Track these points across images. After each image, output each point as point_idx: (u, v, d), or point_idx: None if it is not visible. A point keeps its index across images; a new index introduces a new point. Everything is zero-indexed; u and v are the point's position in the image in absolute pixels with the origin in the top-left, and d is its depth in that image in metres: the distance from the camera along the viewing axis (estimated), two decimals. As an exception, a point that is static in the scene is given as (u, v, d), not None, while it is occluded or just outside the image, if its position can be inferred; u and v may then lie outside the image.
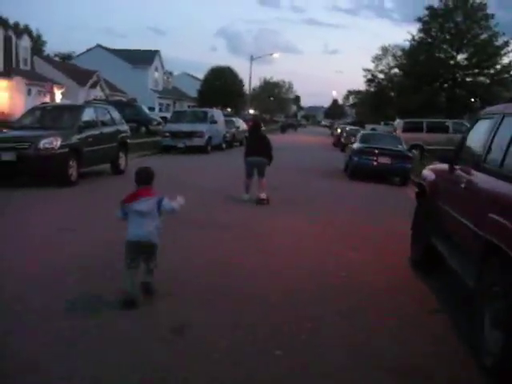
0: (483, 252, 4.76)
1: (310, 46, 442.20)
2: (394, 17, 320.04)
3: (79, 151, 14.77)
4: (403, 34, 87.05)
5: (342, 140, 38.31)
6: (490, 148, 5.27)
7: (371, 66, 77.40)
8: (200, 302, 5.96)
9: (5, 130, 15.49)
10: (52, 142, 13.93)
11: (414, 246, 8.00)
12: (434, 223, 6.89)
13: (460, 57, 52.86)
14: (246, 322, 5.47)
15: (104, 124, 16.98)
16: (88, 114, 16.13)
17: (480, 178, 5.28)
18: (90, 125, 15.89)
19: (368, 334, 5.39)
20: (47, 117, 16.22)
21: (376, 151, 19.26)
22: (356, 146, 20.25)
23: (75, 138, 14.84)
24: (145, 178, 6.41)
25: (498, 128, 5.18)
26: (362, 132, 22.96)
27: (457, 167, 6.27)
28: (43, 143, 13.82)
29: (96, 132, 16.03)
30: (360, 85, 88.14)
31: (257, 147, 13.62)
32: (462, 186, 5.66)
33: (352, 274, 7.37)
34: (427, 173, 7.93)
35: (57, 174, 14.17)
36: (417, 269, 7.68)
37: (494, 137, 5.23)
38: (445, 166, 6.94)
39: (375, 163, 19.14)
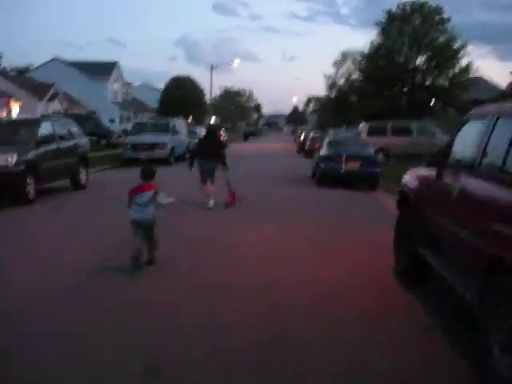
0: (487, 268, 4.24)
1: (269, 53, 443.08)
2: (350, 22, 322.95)
3: (36, 167, 14.08)
4: (361, 39, 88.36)
5: (306, 147, 37.92)
6: (485, 151, 4.81)
7: (331, 71, 77.72)
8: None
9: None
10: (7, 159, 13.22)
11: (398, 256, 7.53)
12: (420, 232, 6.43)
13: (419, 60, 53.21)
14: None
15: (62, 138, 16.28)
16: (45, 128, 15.40)
17: (477, 184, 4.82)
18: (48, 139, 15.20)
19: (358, 350, 4.98)
20: (1, 132, 15.42)
21: (343, 157, 18.88)
22: (323, 151, 19.86)
23: (32, 154, 14.13)
24: (147, 174, 7.99)
25: (493, 129, 4.74)
26: (328, 138, 22.57)
27: (445, 172, 5.82)
28: (-3, 160, 13.10)
29: (54, 146, 15.34)
30: (320, 90, 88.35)
31: (209, 151, 13.76)
32: (455, 192, 5.20)
33: (333, 287, 6.90)
34: (409, 179, 7.48)
35: (13, 192, 13.46)
36: (402, 280, 7.23)
37: (489, 138, 4.78)
38: (428, 171, 6.51)
39: (343, 169, 18.77)
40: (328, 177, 19.17)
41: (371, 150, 20.20)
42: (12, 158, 13.24)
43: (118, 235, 9.49)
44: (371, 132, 31.18)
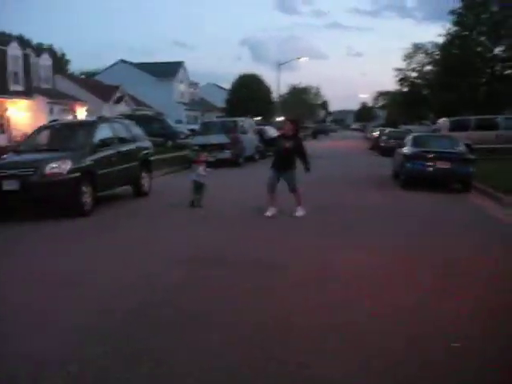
0: None
1: (334, 50, 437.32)
2: (416, 16, 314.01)
3: (93, 175, 12.70)
4: (427, 32, 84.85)
5: (382, 143, 35.77)
6: None
7: (402, 64, 74.91)
8: None
9: (5, 156, 13.42)
10: (60, 166, 11.88)
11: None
12: None
13: (498, 49, 50.04)
14: None
15: (123, 141, 14.89)
16: (103, 131, 14.00)
17: None
18: (106, 143, 13.78)
19: None
20: (56, 137, 14.19)
21: (433, 155, 16.81)
22: (408, 150, 17.78)
23: (88, 160, 12.75)
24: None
25: None
26: (413, 134, 20.46)
27: None
28: (49, 168, 11.78)
29: (113, 151, 13.93)
30: (388, 85, 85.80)
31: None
32: None
33: (468, 339, 5.07)
34: None
35: (67, 203, 12.10)
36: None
37: None
38: None
39: (432, 169, 16.69)
40: (415, 178, 17.13)
41: (463, 147, 18.01)
42: (65, 165, 11.90)
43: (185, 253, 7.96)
44: (453, 127, 29.02)
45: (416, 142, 18.38)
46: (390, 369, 4.48)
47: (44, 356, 4.81)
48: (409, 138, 19.32)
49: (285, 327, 5.41)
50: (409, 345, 4.95)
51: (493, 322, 5.58)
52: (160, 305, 6.10)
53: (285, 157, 12.08)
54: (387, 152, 32.73)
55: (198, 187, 13.47)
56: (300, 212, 11.95)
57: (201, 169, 13.82)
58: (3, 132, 35.85)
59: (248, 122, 31.25)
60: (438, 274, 7.29)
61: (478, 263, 7.93)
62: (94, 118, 19.54)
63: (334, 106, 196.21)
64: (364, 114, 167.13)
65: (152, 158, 16.95)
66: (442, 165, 16.65)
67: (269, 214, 11.84)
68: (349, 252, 8.58)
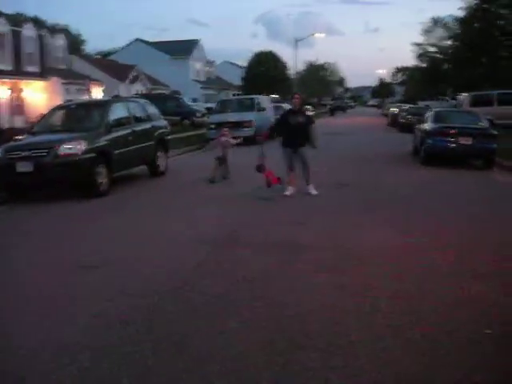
0: None
1: (351, 26, 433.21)
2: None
3: (109, 155, 12.50)
4: (446, 6, 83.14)
5: (401, 120, 35.22)
6: None
7: (421, 39, 73.79)
8: None
9: (21, 137, 13.25)
10: (75, 147, 11.67)
11: None
12: None
13: (520, 23, 48.95)
14: None
15: (138, 120, 14.64)
16: (117, 111, 13.75)
17: None
18: (121, 123, 13.57)
19: None
20: (70, 117, 13.97)
21: (455, 131, 16.38)
22: (429, 126, 17.35)
23: (103, 140, 12.54)
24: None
25: None
26: (434, 109, 19.98)
27: None
28: (64, 149, 11.57)
29: (128, 131, 13.69)
30: (407, 61, 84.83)
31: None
32: None
33: (502, 326, 4.81)
34: None
35: (83, 184, 11.92)
36: None
37: None
38: None
39: (454, 145, 16.28)
40: (437, 154, 16.73)
41: (485, 123, 17.56)
42: (80, 146, 11.69)
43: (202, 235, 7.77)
44: (474, 102, 28.43)
45: (437, 118, 17.95)
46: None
47: (62, 342, 4.63)
48: (429, 114, 18.88)
49: (305, 315, 5.16)
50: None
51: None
52: (181, 288, 5.89)
53: (298, 132, 11.63)
54: (406, 128, 32.31)
55: (221, 162, 14.11)
56: (313, 190, 11.66)
57: (226, 140, 14.84)
58: (19, 113, 35.77)
59: (265, 100, 30.86)
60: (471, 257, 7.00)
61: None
62: (108, 97, 19.36)
63: (351, 83, 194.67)
64: (382, 90, 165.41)
65: (168, 137, 16.68)
66: (464, 141, 16.23)
67: (288, 193, 11.56)
68: (372, 231, 8.33)
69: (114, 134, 12.98)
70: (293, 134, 11.64)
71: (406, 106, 39.20)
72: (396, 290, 5.70)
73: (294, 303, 5.38)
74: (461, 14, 52.69)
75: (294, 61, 68.14)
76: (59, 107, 14.94)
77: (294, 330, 4.75)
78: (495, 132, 16.63)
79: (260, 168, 11.98)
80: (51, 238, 8.56)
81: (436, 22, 73.23)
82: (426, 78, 71.66)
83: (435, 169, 15.98)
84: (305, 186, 11.75)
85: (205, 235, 8.22)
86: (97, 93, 43.19)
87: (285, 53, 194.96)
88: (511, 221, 9.23)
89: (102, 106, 14.07)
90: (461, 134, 16.28)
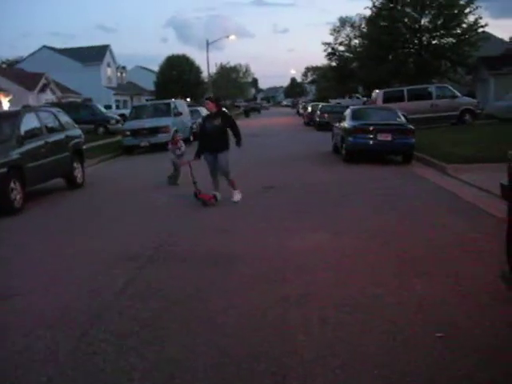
0: None
1: (261, 27, 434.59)
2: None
3: (21, 169, 11.75)
4: (352, 6, 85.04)
5: (317, 118, 35.56)
6: None
7: (330, 39, 75.14)
8: None
9: None
10: (-16, 162, 10.89)
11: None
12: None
13: (424, 20, 50.43)
14: None
15: (51, 131, 13.89)
16: (29, 122, 12.93)
17: None
18: (33, 134, 12.80)
19: None
20: (-24, 130, 13.11)
21: (374, 128, 16.50)
22: (349, 124, 17.41)
23: (15, 153, 11.77)
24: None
25: None
26: (351, 107, 20.11)
27: None
28: (-28, 164, 10.78)
29: (41, 142, 12.95)
30: (317, 60, 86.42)
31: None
32: None
33: (451, 329, 4.64)
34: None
35: (-5, 202, 11.14)
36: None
37: None
38: None
39: (374, 142, 16.39)
40: (357, 152, 16.82)
41: (402, 119, 17.80)
42: (-10, 160, 10.94)
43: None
44: (386, 99, 29.01)
45: (355, 116, 18.06)
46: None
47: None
48: (348, 112, 18.98)
49: (250, 336, 4.84)
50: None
51: (464, 299, 5.18)
52: (106, 315, 5.43)
53: (215, 137, 11.09)
54: (322, 127, 32.69)
55: (176, 167, 13.98)
56: (238, 196, 11.28)
57: (177, 148, 14.41)
58: None
59: (181, 104, 30.38)
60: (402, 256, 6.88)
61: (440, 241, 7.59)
62: (18, 108, 18.43)
63: (263, 84, 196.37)
64: (294, 89, 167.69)
65: (84, 147, 15.97)
66: (384, 137, 16.36)
67: (235, 198, 11.23)
68: (306, 235, 8.10)
69: (27, 147, 12.23)
70: (210, 138, 11.14)
71: (320, 105, 39.59)
72: (341, 297, 5.46)
73: (236, 322, 5.04)
74: (368, 13, 53.74)
75: (207, 64, 68.13)
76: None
77: (239, 354, 4.37)
78: (412, 127, 16.88)
79: (196, 194, 11.27)
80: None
81: (344, 21, 74.88)
82: (337, 77, 73.03)
83: (357, 166, 16.06)
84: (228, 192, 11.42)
85: (130, 251, 7.72)
86: (4, 103, 41.34)
87: (197, 56, 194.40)
88: (440, 214, 9.24)
89: (12, 117, 13.22)
90: (380, 131, 16.42)
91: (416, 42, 50.45)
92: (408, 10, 50.36)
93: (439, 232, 8.01)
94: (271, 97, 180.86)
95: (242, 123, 51.22)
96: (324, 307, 5.23)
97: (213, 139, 11.08)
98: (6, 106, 39.75)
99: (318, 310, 5.15)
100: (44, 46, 68.37)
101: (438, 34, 49.96)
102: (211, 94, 73.75)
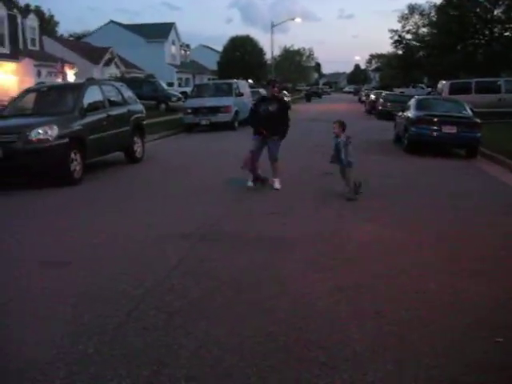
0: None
1: (326, 11, 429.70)
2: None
3: (82, 140, 11.91)
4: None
5: (380, 107, 34.94)
6: None
7: (397, 26, 73.68)
8: None
9: (-10, 120, 12.57)
10: (46, 132, 11.05)
11: None
12: None
13: (497, 10, 48.90)
14: None
15: (113, 104, 14.01)
16: (92, 94, 13.08)
17: None
18: (96, 107, 12.92)
19: None
20: (42, 100, 13.24)
21: (438, 119, 16.05)
22: (413, 114, 16.99)
23: (77, 125, 11.93)
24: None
25: None
26: (416, 97, 19.63)
27: None
28: (35, 134, 10.95)
29: (103, 115, 13.08)
30: (382, 47, 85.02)
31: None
32: None
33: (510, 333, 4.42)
34: None
35: (55, 171, 11.31)
36: None
37: None
38: None
39: (438, 133, 15.95)
40: (420, 142, 16.41)
41: (469, 111, 17.27)
42: (52, 131, 11.08)
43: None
44: (453, 90, 28.26)
45: (420, 106, 17.63)
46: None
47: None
48: (412, 102, 18.54)
49: (301, 323, 4.72)
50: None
51: None
52: (158, 290, 5.41)
53: (267, 122, 10.67)
54: (384, 116, 32.10)
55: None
56: (278, 184, 10.85)
57: None
58: (-11, 95, 34.75)
59: (243, 84, 30.31)
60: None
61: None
62: (81, 80, 18.69)
63: (326, 69, 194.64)
64: (357, 76, 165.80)
65: (144, 122, 16.08)
66: (448, 129, 15.92)
67: (250, 184, 10.82)
68: (360, 225, 7.93)
69: (89, 119, 12.37)
70: (262, 123, 10.72)
71: (383, 93, 38.85)
72: (395, 292, 5.29)
73: (286, 309, 4.93)
74: (438, 1, 52.48)
75: (271, 46, 67.92)
76: (31, 90, 14.20)
77: (288, 342, 4.27)
78: (479, 121, 16.35)
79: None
80: (12, 231, 7.92)
81: (413, 8, 73.21)
82: (402, 65, 71.62)
83: (419, 157, 15.68)
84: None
85: (183, 229, 7.69)
86: (69, 75, 42.18)
87: (260, 38, 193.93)
88: (503, 213, 8.90)
89: (76, 89, 13.40)
90: (445, 123, 15.98)
91: (487, 32, 49.08)
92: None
93: (499, 230, 7.71)
94: (333, 82, 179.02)
95: (302, 107, 51.37)
96: (377, 301, 5.07)
97: (265, 124, 10.68)
98: (71, 78, 40.53)
99: (371, 303, 5.00)
100: (111, 21, 69.32)
101: (510, 26, 48.48)
102: (274, 76, 73.74)
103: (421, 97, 20.98)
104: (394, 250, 6.72)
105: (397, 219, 8.35)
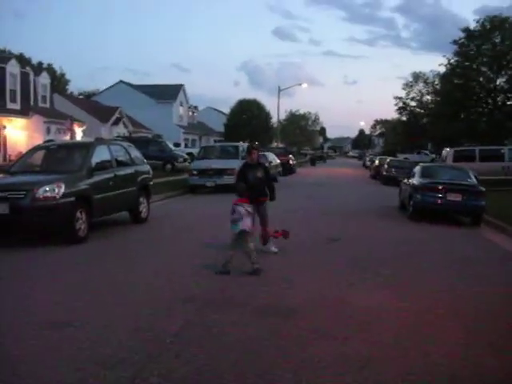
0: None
1: (331, 77, 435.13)
2: (411, 46, 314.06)
3: (89, 199, 11.94)
4: (423, 61, 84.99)
5: (384, 172, 35.18)
6: None
7: (401, 93, 74.97)
8: None
9: (-1, 176, 12.66)
10: (54, 190, 11.08)
11: None
12: None
13: (500, 80, 49.72)
14: None
15: (121, 164, 14.11)
16: (100, 154, 13.20)
17: None
18: (103, 166, 13.01)
19: None
20: (50, 158, 13.35)
21: (443, 187, 16.11)
22: (418, 181, 17.07)
23: (84, 184, 12.00)
24: (241, 193, 9.26)
25: None
26: (421, 164, 19.77)
27: None
28: (42, 191, 10.97)
29: (110, 175, 13.16)
30: (386, 114, 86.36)
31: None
32: None
33: None
34: None
35: (61, 230, 11.31)
36: None
37: None
38: None
39: (443, 201, 15.97)
40: (425, 210, 16.41)
41: (474, 179, 17.35)
42: (59, 189, 11.12)
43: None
44: (457, 157, 28.54)
45: (425, 173, 17.72)
46: None
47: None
48: (417, 169, 18.65)
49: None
50: None
51: None
52: (163, 356, 5.31)
53: (260, 188, 10.75)
54: (389, 181, 32.31)
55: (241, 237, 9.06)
56: (274, 247, 10.89)
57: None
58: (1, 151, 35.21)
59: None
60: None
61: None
62: (91, 139, 18.88)
63: (331, 133, 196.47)
64: (361, 141, 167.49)
65: (151, 183, 16.15)
66: (454, 197, 15.95)
67: (274, 249, 10.87)
68: (368, 293, 7.84)
69: (96, 178, 12.44)
70: (253, 189, 10.47)
71: (388, 159, 39.19)
72: (404, 364, 5.19)
73: (292, 378, 4.82)
74: (442, 69, 53.42)
75: (277, 110, 68.75)
76: (40, 147, 14.31)
77: None
78: (484, 189, 16.40)
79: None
80: (17, 288, 7.87)
81: (417, 76, 74.62)
82: (406, 131, 72.45)
83: (423, 225, 15.66)
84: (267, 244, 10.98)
85: (188, 292, 7.62)
86: (77, 133, 42.72)
87: (266, 101, 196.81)
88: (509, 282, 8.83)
89: (85, 147, 13.53)
90: (450, 191, 16.03)
91: (490, 101, 49.76)
92: (484, 69, 49.89)
93: (509, 301, 7.63)
94: (338, 147, 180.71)
95: (307, 171, 51.75)
96: (384, 372, 4.96)
97: (256, 190, 10.62)
98: (79, 135, 41.02)
99: (378, 375, 4.89)
100: (121, 81, 70.61)
101: (514, 95, 49.21)
102: (280, 139, 74.43)
103: (426, 164, 21.15)
104: (401, 321, 6.62)
105: (404, 288, 8.27)
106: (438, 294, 7.92)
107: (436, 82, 66.20)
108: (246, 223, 8.84)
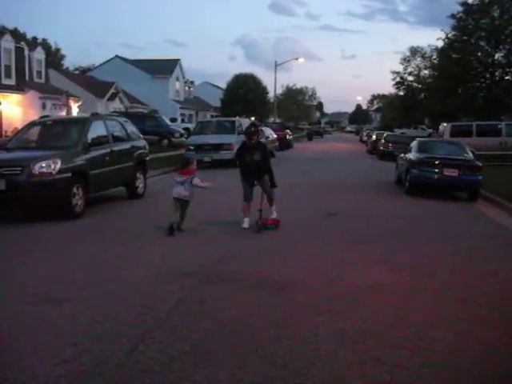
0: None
1: (328, 52, 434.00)
2: (409, 20, 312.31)
3: (85, 175, 11.92)
4: (420, 36, 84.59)
5: (381, 147, 35.13)
6: None
7: (399, 67, 74.65)
8: None
9: (-5, 152, 12.60)
10: (50, 166, 11.05)
11: None
12: None
13: (498, 55, 49.47)
14: None
15: (117, 140, 14.06)
16: (96, 129, 13.13)
17: None
18: (99, 142, 12.96)
19: None
20: (46, 134, 13.32)
21: (440, 162, 16.11)
22: (414, 156, 17.06)
23: (80, 159, 11.97)
24: (183, 164, 10.75)
25: None
26: (418, 139, 19.75)
27: None
28: (38, 167, 10.94)
29: (107, 150, 13.11)
30: (383, 89, 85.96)
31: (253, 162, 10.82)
32: None
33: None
34: None
35: (57, 205, 11.31)
36: None
37: None
38: None
39: (440, 176, 15.98)
40: (421, 185, 16.44)
41: (470, 154, 17.35)
42: (55, 165, 11.10)
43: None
44: (454, 132, 28.47)
45: (422, 148, 17.72)
46: None
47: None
48: (414, 144, 18.64)
49: (301, 369, 4.66)
50: None
51: None
52: (157, 331, 5.35)
53: (257, 169, 10.79)
54: (386, 156, 32.31)
55: (183, 206, 10.33)
56: (275, 213, 10.95)
57: (191, 180, 10.31)
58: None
59: (246, 122, 30.50)
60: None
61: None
62: (86, 114, 18.78)
63: (328, 108, 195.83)
64: (359, 116, 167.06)
65: (147, 158, 16.11)
66: (450, 172, 15.96)
67: (245, 225, 10.69)
68: (364, 267, 7.89)
69: (92, 154, 12.41)
70: (250, 170, 10.82)
71: (385, 134, 39.09)
72: (399, 339, 5.23)
73: (287, 353, 4.86)
74: (440, 44, 53.07)
75: (274, 84, 68.05)
76: (35, 123, 14.24)
77: (289, 387, 4.22)
78: (480, 164, 16.40)
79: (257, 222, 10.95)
80: (15, 264, 7.87)
81: (415, 51, 74.20)
82: (403, 106, 72.23)
83: (420, 199, 15.70)
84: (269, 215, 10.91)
85: (184, 268, 7.63)
86: (73, 109, 42.55)
87: (263, 76, 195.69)
88: (503, 256, 8.87)
89: (81, 123, 13.48)
90: (447, 166, 16.03)
91: (488, 76, 49.57)
92: (482, 43, 49.59)
93: (501, 275, 7.68)
94: (335, 122, 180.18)
95: (304, 146, 51.70)
96: (380, 347, 5.01)
97: (253, 172, 10.79)
98: (75, 111, 40.85)
99: (373, 350, 4.93)
100: (116, 56, 70.14)
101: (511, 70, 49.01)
102: (276, 116, 74.16)
103: (422, 139, 21.11)
104: (398, 295, 6.67)
105: (401, 263, 8.31)
106: (434, 269, 7.97)
107: (434, 57, 65.85)
108: (176, 191, 10.28)
